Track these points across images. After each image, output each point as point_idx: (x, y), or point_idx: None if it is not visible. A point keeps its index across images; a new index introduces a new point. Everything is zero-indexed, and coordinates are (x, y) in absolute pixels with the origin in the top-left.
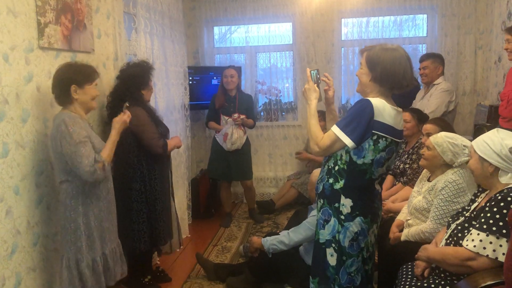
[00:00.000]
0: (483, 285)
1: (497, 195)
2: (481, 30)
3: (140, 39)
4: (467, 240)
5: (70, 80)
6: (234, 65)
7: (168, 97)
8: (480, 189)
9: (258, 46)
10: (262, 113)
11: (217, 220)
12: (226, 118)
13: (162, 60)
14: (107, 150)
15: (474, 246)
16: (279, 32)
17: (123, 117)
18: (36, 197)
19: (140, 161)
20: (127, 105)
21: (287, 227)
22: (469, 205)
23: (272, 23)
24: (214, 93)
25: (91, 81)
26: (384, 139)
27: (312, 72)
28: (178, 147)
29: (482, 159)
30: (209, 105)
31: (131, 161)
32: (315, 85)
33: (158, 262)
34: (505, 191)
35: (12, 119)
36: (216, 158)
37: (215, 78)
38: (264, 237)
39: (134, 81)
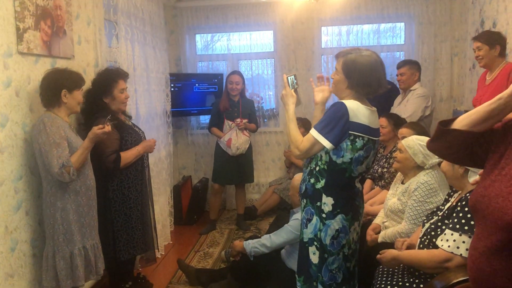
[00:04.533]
0: (454, 281)
1: (467, 194)
2: (456, 38)
3: (121, 46)
4: (441, 240)
5: (62, 85)
6: (238, 70)
7: (149, 103)
8: (454, 189)
9: (240, 53)
10: None
11: (200, 227)
12: (230, 123)
13: (143, 66)
14: (76, 156)
15: (449, 246)
16: (261, 40)
17: (98, 131)
18: (15, 203)
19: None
20: (109, 118)
21: (269, 232)
22: (443, 205)
23: (254, 31)
24: (217, 99)
25: (79, 87)
26: (360, 138)
27: (289, 78)
28: (149, 152)
29: None
30: (212, 111)
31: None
32: (292, 90)
33: (140, 269)
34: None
35: None
36: (220, 164)
37: (197, 85)
38: (245, 240)
39: (95, 89)
